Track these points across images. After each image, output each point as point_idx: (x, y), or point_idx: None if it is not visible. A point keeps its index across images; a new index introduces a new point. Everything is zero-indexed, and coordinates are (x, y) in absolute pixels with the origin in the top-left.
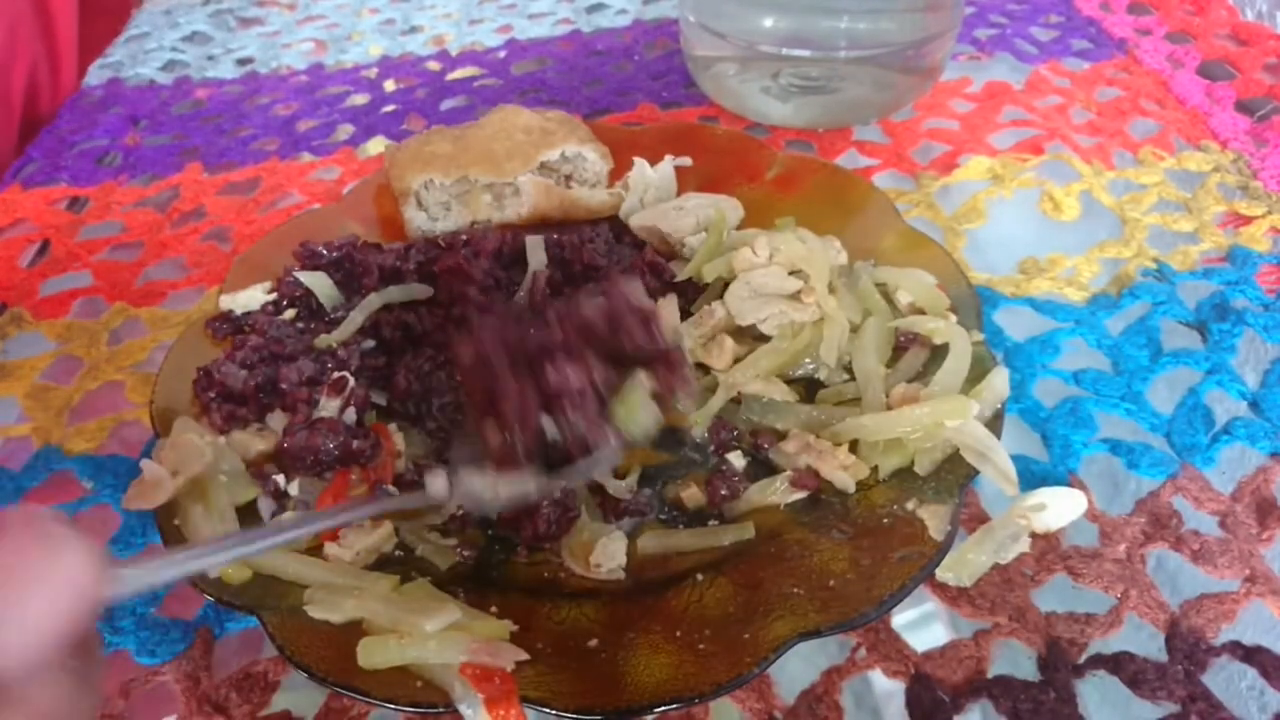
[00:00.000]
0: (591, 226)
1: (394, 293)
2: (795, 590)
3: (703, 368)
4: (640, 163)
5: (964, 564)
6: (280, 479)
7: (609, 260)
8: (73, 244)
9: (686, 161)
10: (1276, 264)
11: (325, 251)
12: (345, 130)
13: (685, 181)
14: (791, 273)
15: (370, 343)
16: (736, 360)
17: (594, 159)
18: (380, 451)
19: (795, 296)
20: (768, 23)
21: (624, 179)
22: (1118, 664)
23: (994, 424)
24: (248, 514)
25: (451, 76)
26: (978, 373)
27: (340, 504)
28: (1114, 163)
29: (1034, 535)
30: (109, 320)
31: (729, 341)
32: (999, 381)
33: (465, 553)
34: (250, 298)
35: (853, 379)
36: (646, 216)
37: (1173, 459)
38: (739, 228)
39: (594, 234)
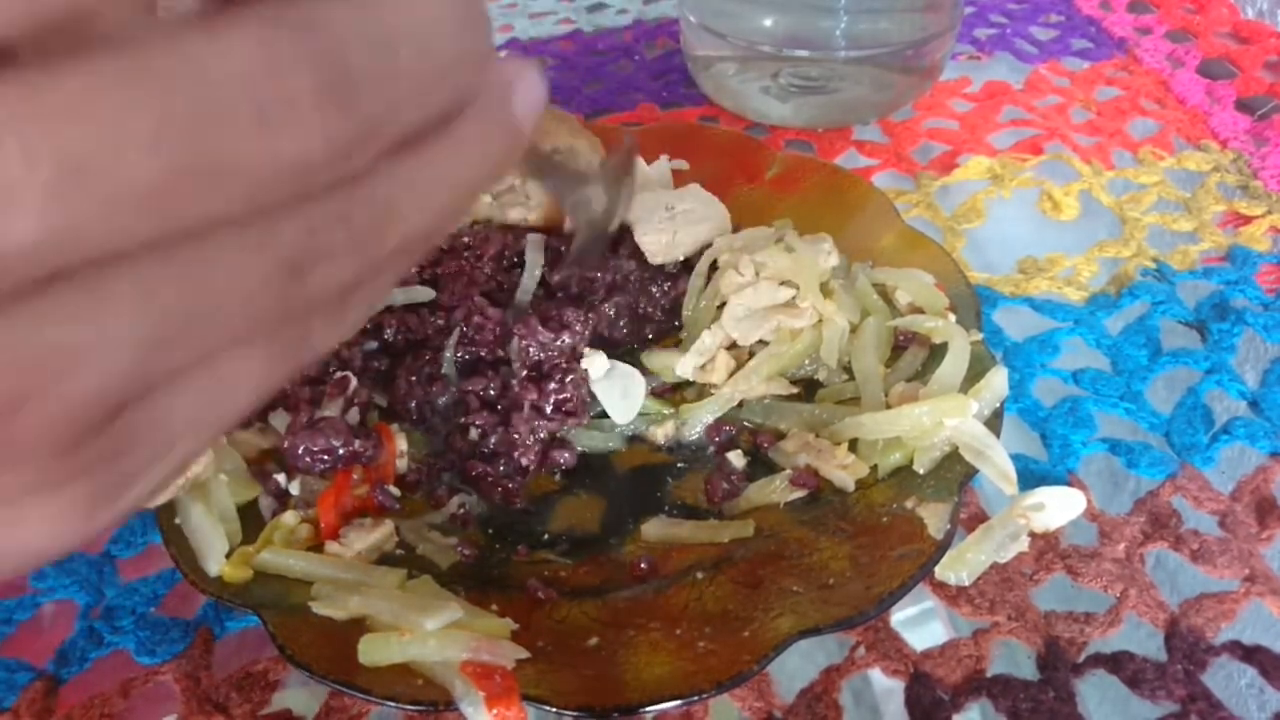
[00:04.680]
0: None
1: (396, 294)
2: (795, 588)
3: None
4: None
5: (963, 563)
6: (281, 478)
7: (607, 273)
8: None
9: (683, 165)
10: (1276, 263)
11: None
12: None
13: (685, 182)
14: (782, 283)
15: (373, 344)
16: (732, 372)
17: (585, 151)
18: (382, 451)
19: (791, 303)
20: (767, 23)
21: None
22: (1117, 663)
23: (993, 423)
24: (249, 513)
25: None
26: (976, 372)
27: None
28: (1113, 162)
29: (1033, 534)
30: None
31: (723, 356)
32: (998, 381)
33: (466, 551)
34: None
35: (852, 379)
36: (637, 206)
37: (1172, 458)
38: (734, 228)
39: None
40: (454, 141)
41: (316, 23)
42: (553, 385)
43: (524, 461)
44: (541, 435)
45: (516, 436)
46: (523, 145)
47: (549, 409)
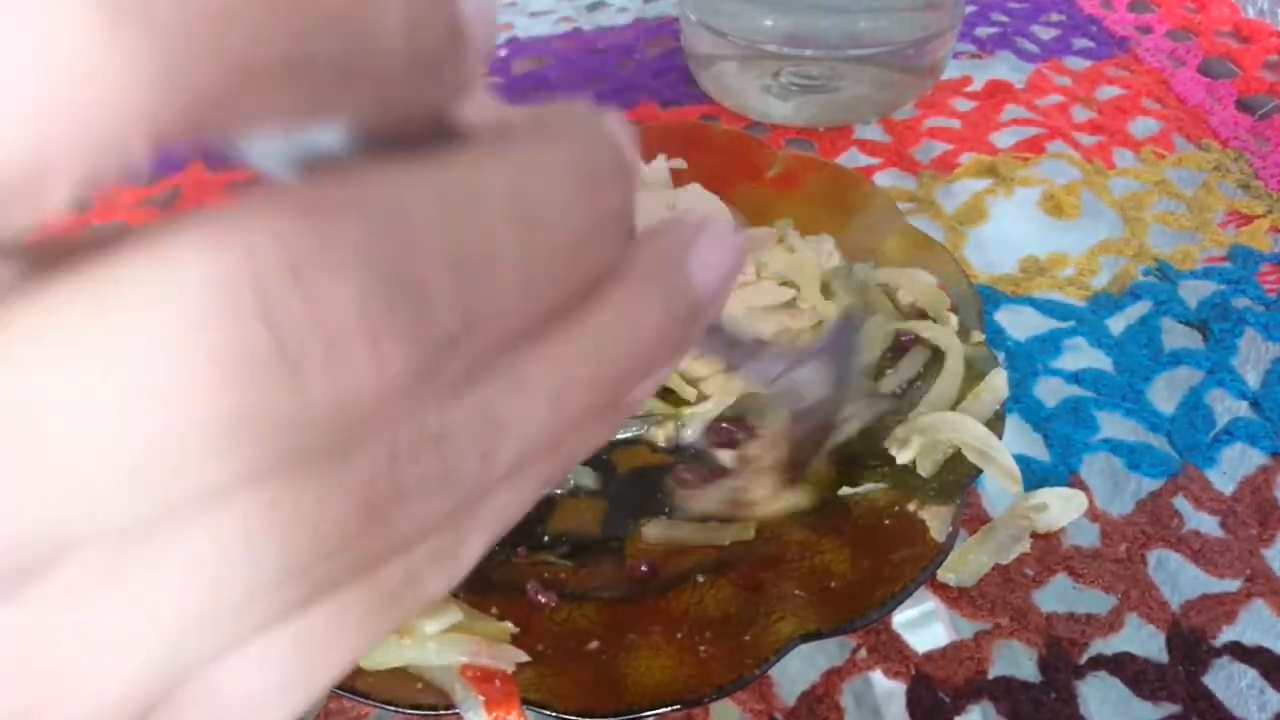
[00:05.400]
0: None
1: None
2: (796, 592)
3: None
4: None
5: (965, 564)
6: None
7: None
8: None
9: (681, 164)
10: (1278, 263)
11: None
12: None
13: (686, 181)
14: (783, 283)
15: None
16: None
17: None
18: None
19: (791, 303)
20: (768, 22)
21: None
22: (1118, 665)
23: (995, 424)
24: None
25: None
26: (978, 373)
27: None
28: (1115, 162)
29: (1035, 535)
30: None
31: None
32: (998, 382)
33: None
34: None
35: None
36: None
37: (1174, 459)
38: None
39: None
40: (581, 328)
41: (390, 223)
42: None
43: None
44: None
45: None
46: (705, 316)
47: None
